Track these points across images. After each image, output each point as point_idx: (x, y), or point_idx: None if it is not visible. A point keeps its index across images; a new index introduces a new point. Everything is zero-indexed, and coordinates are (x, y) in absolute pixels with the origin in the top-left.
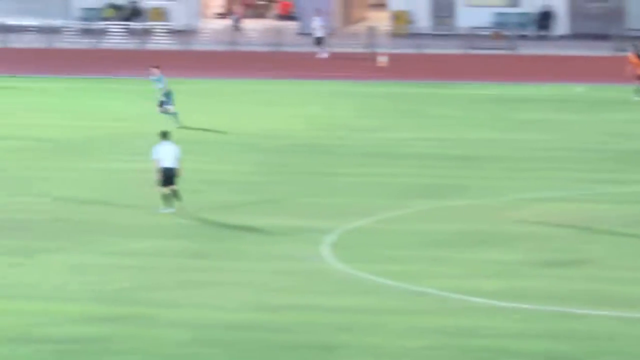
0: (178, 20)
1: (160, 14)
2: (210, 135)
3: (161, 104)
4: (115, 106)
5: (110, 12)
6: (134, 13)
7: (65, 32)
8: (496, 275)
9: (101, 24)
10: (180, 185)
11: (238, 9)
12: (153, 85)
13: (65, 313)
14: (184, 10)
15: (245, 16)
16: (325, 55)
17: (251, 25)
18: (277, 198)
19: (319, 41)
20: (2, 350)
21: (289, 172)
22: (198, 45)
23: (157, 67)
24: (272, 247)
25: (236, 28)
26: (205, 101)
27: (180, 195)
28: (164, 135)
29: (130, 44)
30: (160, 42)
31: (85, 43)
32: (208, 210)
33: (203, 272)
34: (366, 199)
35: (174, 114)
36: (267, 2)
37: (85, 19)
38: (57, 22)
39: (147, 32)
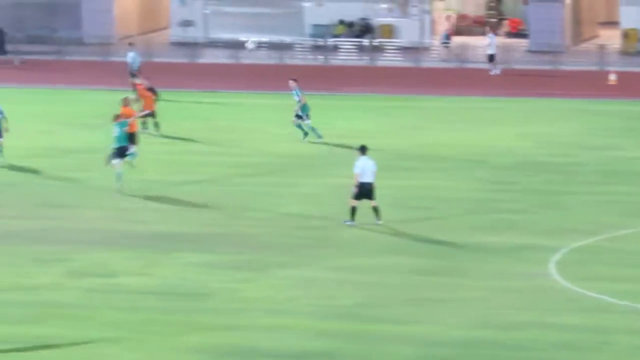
0: (408, 37)
1: (390, 31)
2: (439, 152)
3: (298, 117)
4: (342, 122)
5: (341, 29)
6: (365, 30)
7: (297, 49)
8: None
9: (332, 41)
10: (411, 201)
11: (447, 26)
12: (293, 98)
13: (293, 328)
14: (414, 27)
15: (475, 33)
16: (497, 72)
17: (479, 42)
18: (505, 215)
19: (491, 58)
20: None
21: (517, 190)
22: (426, 63)
23: (295, 80)
24: (499, 264)
25: (445, 45)
26: (433, 118)
27: (380, 211)
28: (362, 150)
29: (360, 60)
30: (390, 59)
31: (315, 59)
32: (436, 227)
33: (430, 289)
34: (594, 217)
35: (312, 129)
36: (497, 20)
37: (316, 36)
38: (288, 39)
39: (376, 49)
